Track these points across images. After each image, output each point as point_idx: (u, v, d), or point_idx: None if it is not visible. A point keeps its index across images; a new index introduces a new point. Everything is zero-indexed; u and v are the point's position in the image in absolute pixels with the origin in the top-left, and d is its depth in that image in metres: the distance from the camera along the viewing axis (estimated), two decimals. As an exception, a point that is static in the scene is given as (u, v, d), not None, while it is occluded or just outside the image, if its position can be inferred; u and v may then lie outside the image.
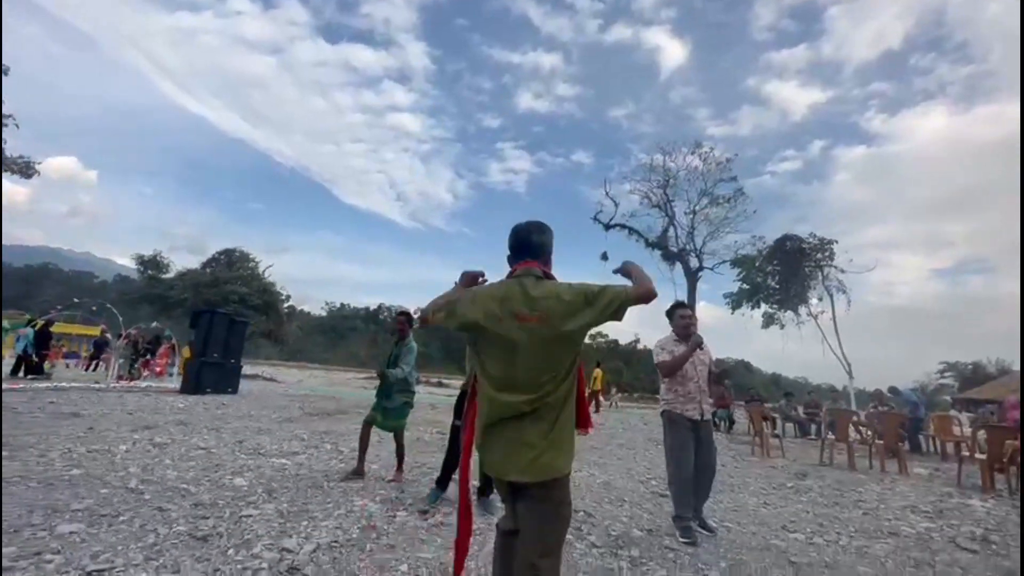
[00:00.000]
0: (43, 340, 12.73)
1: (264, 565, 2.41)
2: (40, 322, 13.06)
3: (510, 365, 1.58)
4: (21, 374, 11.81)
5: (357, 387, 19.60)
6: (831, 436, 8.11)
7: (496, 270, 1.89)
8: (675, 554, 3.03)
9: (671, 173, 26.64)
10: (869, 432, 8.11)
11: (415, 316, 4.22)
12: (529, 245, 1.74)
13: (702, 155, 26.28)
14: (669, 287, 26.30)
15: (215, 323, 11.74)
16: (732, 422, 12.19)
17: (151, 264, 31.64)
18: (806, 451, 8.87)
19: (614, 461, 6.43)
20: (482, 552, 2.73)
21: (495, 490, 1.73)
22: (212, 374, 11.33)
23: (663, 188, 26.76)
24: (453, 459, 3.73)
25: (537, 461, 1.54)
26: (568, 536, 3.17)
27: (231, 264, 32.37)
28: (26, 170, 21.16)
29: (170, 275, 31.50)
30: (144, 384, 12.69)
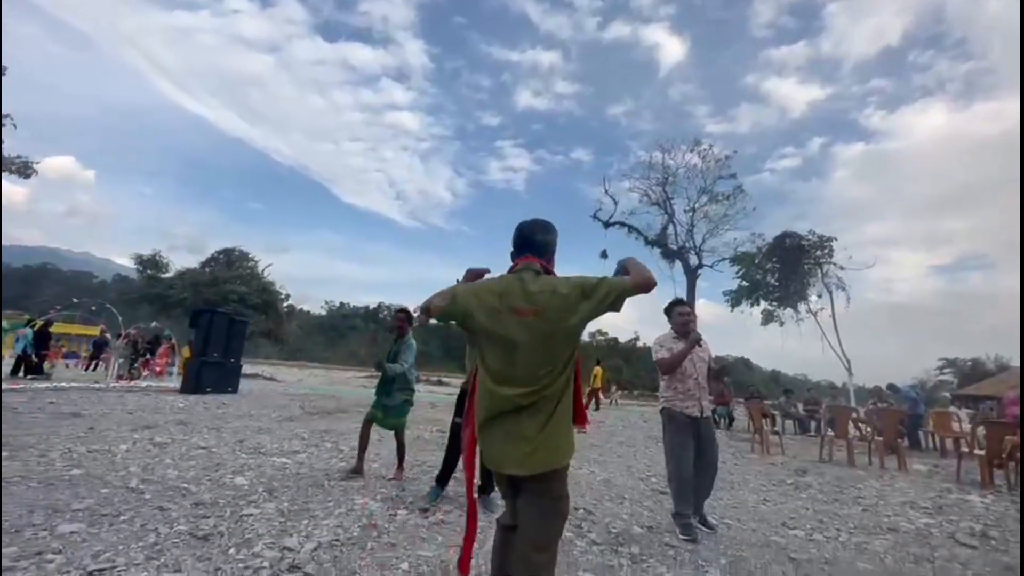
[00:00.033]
0: (42, 340, 12.73)
1: (265, 564, 2.41)
2: (39, 322, 13.06)
3: (508, 359, 1.59)
4: (21, 374, 11.81)
5: (357, 386, 19.62)
6: (831, 433, 8.14)
7: (496, 268, 1.90)
8: (675, 551, 3.04)
9: (670, 171, 26.68)
10: (868, 429, 8.13)
11: (415, 314, 4.22)
12: (532, 242, 1.76)
13: (701, 152, 26.33)
14: (669, 285, 26.36)
15: (215, 322, 11.74)
16: (732, 419, 12.21)
17: (150, 264, 31.56)
18: (806, 448, 8.89)
19: (614, 459, 6.44)
20: (482, 550, 2.73)
21: (496, 488, 1.74)
22: (212, 373, 11.33)
23: (662, 186, 26.79)
24: (453, 457, 3.74)
25: (533, 455, 1.55)
26: (568, 534, 3.19)
27: (230, 263, 32.31)
28: (24, 170, 21.12)
29: (169, 275, 31.42)
30: (144, 384, 12.70)
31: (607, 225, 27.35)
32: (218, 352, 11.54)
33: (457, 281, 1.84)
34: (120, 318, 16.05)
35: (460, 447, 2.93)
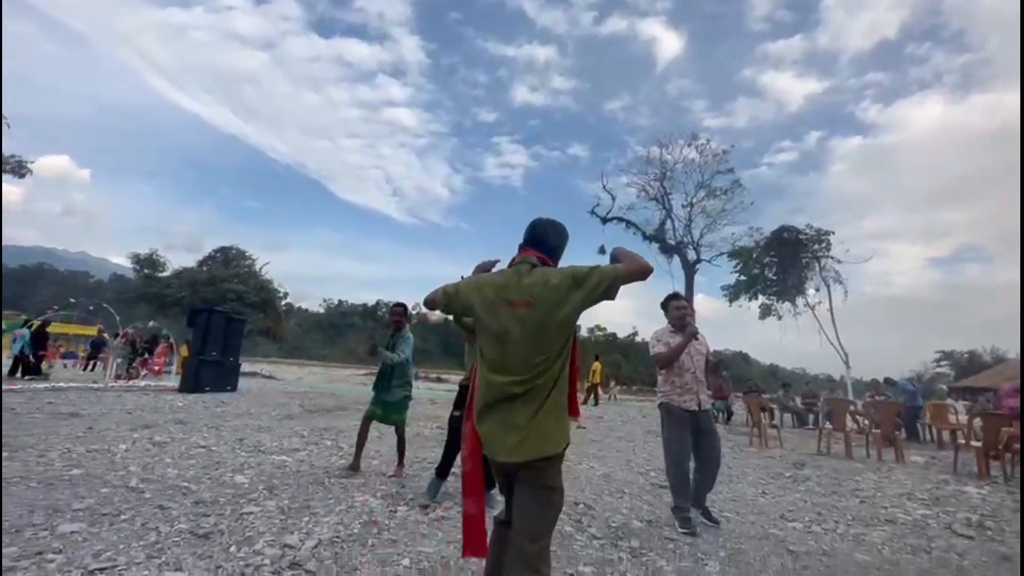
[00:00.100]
0: (40, 341, 12.69)
1: (266, 561, 2.42)
2: (36, 323, 13.02)
3: (503, 349, 1.62)
4: (18, 375, 11.78)
5: (356, 383, 19.64)
6: (828, 426, 8.18)
7: (501, 263, 1.96)
8: (675, 544, 3.06)
9: (668, 166, 26.60)
10: (866, 421, 8.17)
11: (414, 311, 4.22)
12: (540, 241, 1.79)
13: (699, 147, 26.24)
14: (667, 280, 26.36)
15: (213, 321, 11.72)
16: (730, 413, 12.26)
17: (147, 263, 31.48)
18: (804, 441, 8.94)
19: (613, 453, 6.46)
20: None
21: (496, 485, 1.75)
22: (211, 372, 11.32)
23: (660, 181, 26.73)
24: (453, 449, 3.73)
25: (524, 442, 1.57)
26: (568, 528, 3.20)
27: (228, 262, 32.27)
28: (19, 170, 21.01)
29: (166, 274, 31.37)
30: (142, 383, 12.68)
31: (605, 220, 27.31)
32: (216, 351, 11.52)
33: (462, 278, 1.89)
34: (118, 317, 16.03)
35: (459, 440, 2.93)
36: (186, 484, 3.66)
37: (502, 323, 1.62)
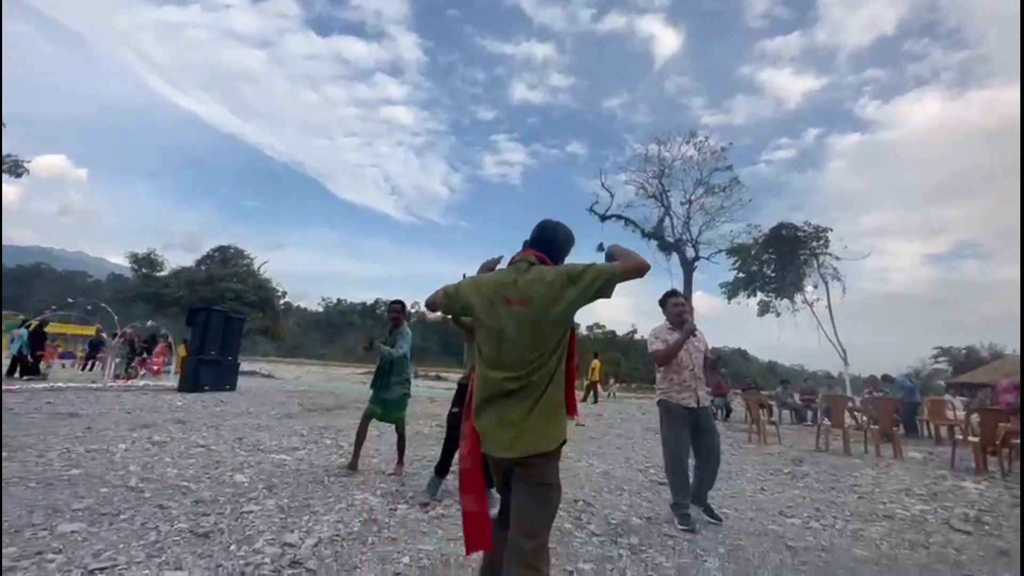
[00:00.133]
0: (38, 341, 12.66)
1: (266, 560, 2.42)
2: (34, 323, 12.98)
3: (499, 346, 1.64)
4: (17, 375, 11.76)
5: (355, 382, 19.64)
6: (827, 422, 8.20)
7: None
8: (674, 541, 3.07)
9: (666, 163, 26.60)
10: (864, 418, 8.20)
11: (412, 309, 4.22)
12: (540, 239, 1.81)
13: (697, 144, 26.24)
14: (665, 277, 26.41)
15: (211, 320, 11.70)
16: (729, 410, 12.29)
17: (145, 262, 31.38)
18: (802, 437, 8.97)
19: (613, 451, 6.48)
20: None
21: (494, 484, 1.75)
22: (210, 372, 11.31)
23: (658, 178, 26.73)
24: (452, 447, 3.73)
25: (519, 438, 1.57)
26: (568, 525, 3.21)
27: (226, 261, 32.17)
28: (15, 169, 20.93)
29: (164, 273, 31.27)
30: (141, 383, 12.66)
31: (604, 218, 27.32)
32: (215, 350, 11.50)
33: (464, 276, 1.92)
34: (116, 317, 15.99)
35: (458, 437, 2.94)
36: (186, 483, 3.66)
37: (499, 321, 1.64)
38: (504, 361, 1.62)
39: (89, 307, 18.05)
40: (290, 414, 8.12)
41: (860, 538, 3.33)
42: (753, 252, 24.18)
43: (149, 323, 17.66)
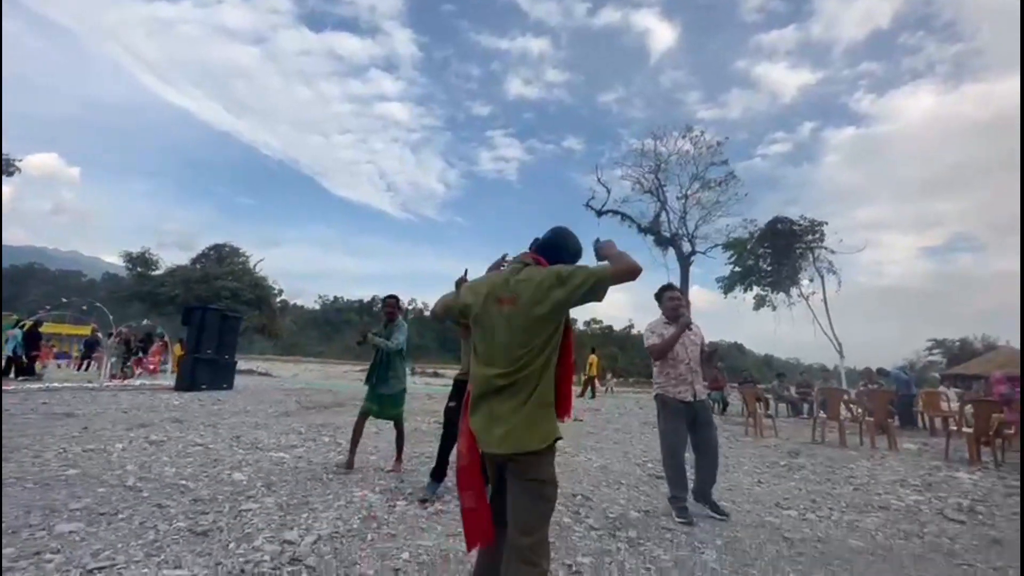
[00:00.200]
0: (32, 341, 12.59)
1: (266, 558, 2.42)
2: (29, 323, 12.91)
3: (490, 343, 1.68)
4: (11, 376, 11.69)
5: (353, 379, 19.62)
6: (823, 415, 8.25)
7: (488, 259, 2.05)
8: (672, 534, 3.09)
9: (662, 158, 26.52)
10: (859, 410, 8.26)
11: (408, 305, 4.21)
12: (544, 244, 1.83)
13: (693, 139, 26.15)
14: (662, 272, 26.40)
15: (207, 319, 11.66)
16: (726, 404, 12.35)
17: (140, 261, 31.21)
18: (798, 430, 9.02)
19: (611, 445, 6.50)
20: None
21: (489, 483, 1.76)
22: (206, 370, 11.28)
23: (655, 173, 26.66)
24: (449, 442, 3.67)
25: (509, 435, 1.58)
26: (566, 519, 3.23)
27: (221, 259, 32.03)
28: (7, 168, 20.73)
29: (159, 272, 31.12)
30: (138, 382, 12.62)
31: (600, 214, 27.26)
32: (211, 349, 11.47)
33: (465, 272, 2.00)
34: (111, 317, 15.91)
35: (455, 433, 2.95)
36: (184, 482, 3.66)
37: (491, 319, 1.68)
38: (494, 358, 1.65)
39: (84, 307, 17.93)
40: (288, 412, 8.11)
41: (856, 529, 3.37)
42: (749, 246, 24.22)
43: (145, 322, 17.61)
